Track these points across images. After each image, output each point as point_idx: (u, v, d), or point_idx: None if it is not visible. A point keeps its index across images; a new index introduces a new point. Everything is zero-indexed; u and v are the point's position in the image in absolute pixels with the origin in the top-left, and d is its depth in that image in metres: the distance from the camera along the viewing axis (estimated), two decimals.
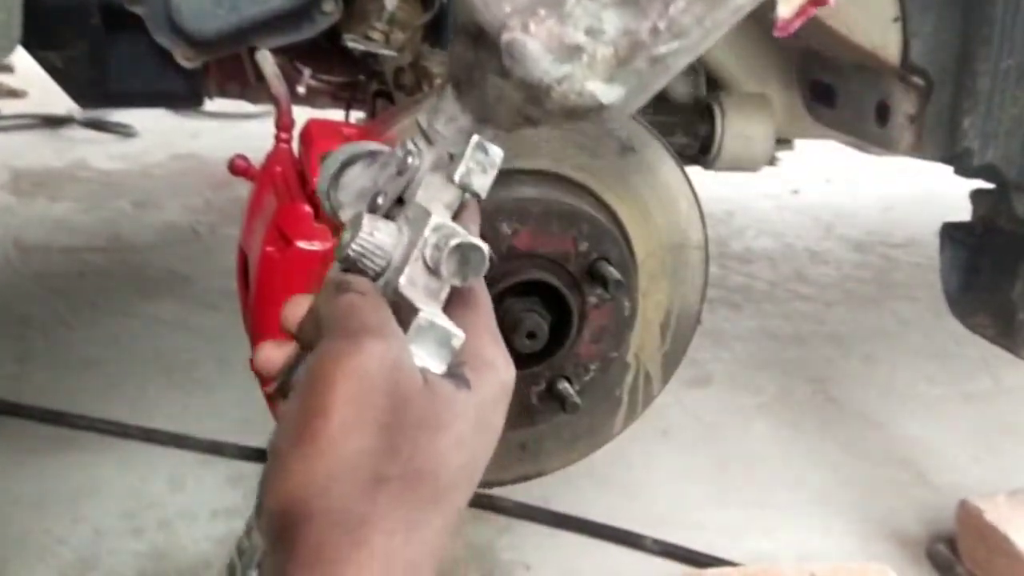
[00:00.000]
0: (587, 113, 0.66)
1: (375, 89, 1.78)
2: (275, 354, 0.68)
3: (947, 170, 1.54)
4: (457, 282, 0.65)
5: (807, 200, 4.04)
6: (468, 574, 1.78)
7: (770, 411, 2.42)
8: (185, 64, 1.50)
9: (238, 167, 1.34)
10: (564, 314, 1.35)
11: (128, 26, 1.49)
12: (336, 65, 1.72)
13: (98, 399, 2.21)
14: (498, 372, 0.66)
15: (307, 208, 1.14)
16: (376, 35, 1.50)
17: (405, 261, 0.65)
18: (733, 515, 2.01)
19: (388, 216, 0.69)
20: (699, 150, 1.84)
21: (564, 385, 1.39)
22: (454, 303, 0.67)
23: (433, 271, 0.64)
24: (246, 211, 1.32)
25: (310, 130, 1.30)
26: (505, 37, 0.62)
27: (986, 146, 1.45)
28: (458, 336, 0.63)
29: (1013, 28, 1.39)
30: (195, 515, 1.88)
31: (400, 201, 0.70)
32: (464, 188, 0.67)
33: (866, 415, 2.42)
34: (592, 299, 1.37)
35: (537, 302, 1.33)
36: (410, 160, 0.70)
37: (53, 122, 4.36)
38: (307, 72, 1.61)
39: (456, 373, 0.63)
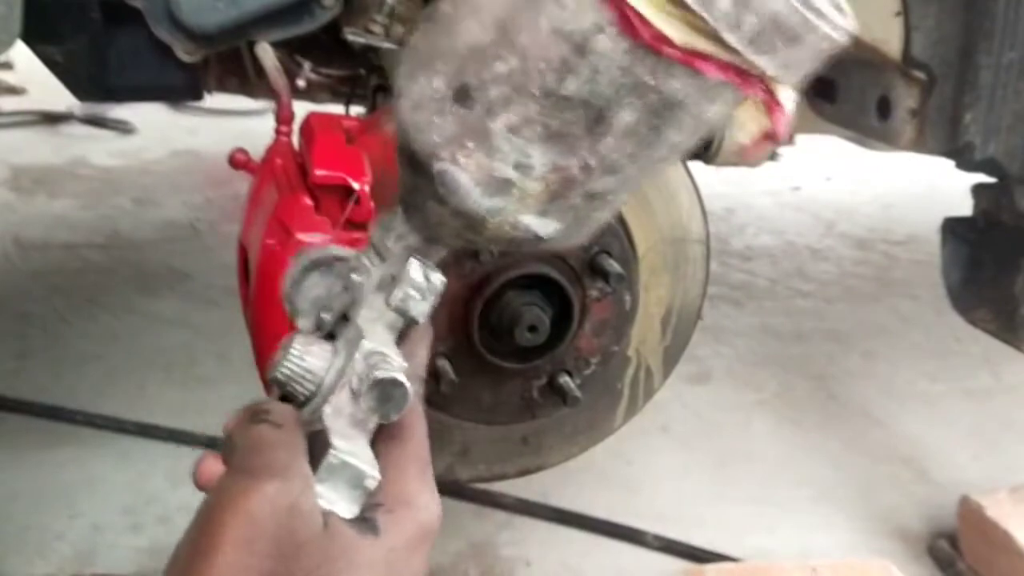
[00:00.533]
0: (525, 243, 0.65)
1: (375, 84, 1.77)
2: (216, 468, 0.64)
3: (948, 167, 1.54)
4: (377, 419, 0.62)
5: (808, 197, 4.04)
6: (469, 570, 1.78)
7: (771, 408, 2.42)
8: (185, 58, 1.49)
9: (238, 161, 1.33)
10: (565, 308, 1.35)
11: (128, 20, 1.48)
12: (336, 59, 1.72)
13: (97, 395, 2.21)
14: (416, 513, 0.62)
15: (308, 200, 1.13)
16: (376, 28, 1.49)
17: (334, 387, 0.63)
18: (734, 511, 2.00)
19: (333, 334, 0.68)
20: (700, 145, 1.83)
21: (565, 379, 1.39)
22: (383, 433, 0.64)
23: (359, 401, 0.62)
24: (246, 204, 1.32)
25: (310, 123, 1.29)
26: (436, 167, 0.62)
27: (988, 140, 1.45)
28: (372, 477, 0.60)
29: (1015, 22, 1.39)
30: (195, 511, 1.87)
31: (346, 318, 0.68)
32: (400, 314, 0.65)
33: (867, 412, 2.42)
34: (593, 293, 1.37)
35: (538, 296, 1.33)
36: (355, 277, 0.68)
37: (52, 119, 4.35)
38: (307, 66, 1.61)
39: (366, 517, 0.60)
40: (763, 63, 0.56)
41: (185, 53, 1.47)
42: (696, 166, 1.65)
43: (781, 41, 0.55)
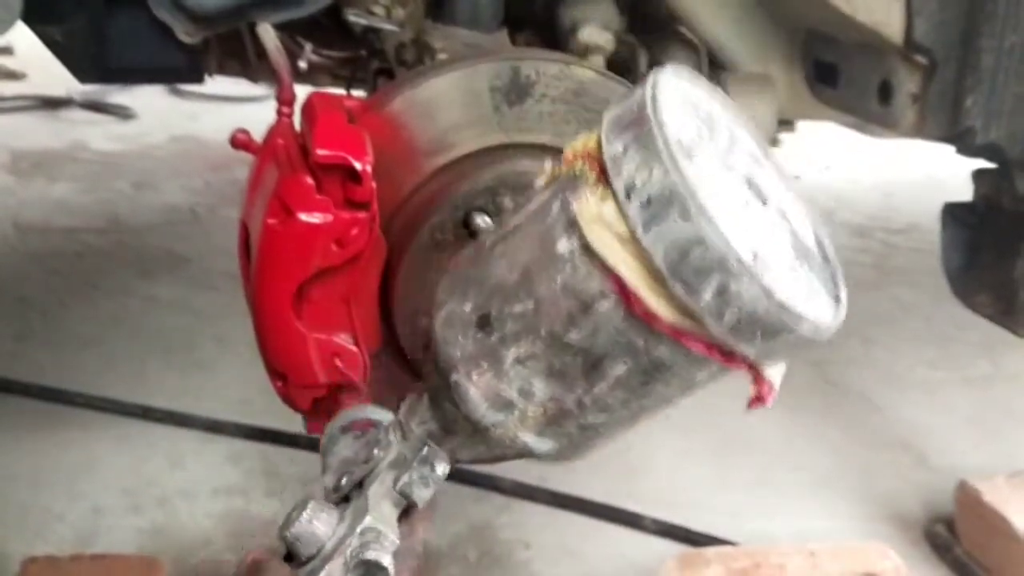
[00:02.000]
0: (525, 456, 0.75)
1: (376, 66, 1.77)
2: None
3: (947, 156, 1.54)
4: None
5: (807, 186, 4.02)
6: (468, 552, 1.78)
7: None
8: (185, 40, 1.49)
9: (239, 140, 1.33)
10: None
11: (128, 1, 1.48)
12: (337, 41, 1.72)
13: (96, 378, 2.21)
14: None
15: (309, 180, 1.13)
16: (378, 10, 1.49)
17: (332, 555, 0.70)
18: (733, 497, 2.01)
19: (348, 497, 0.76)
20: None
21: None
22: None
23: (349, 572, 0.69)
24: (248, 184, 1.31)
25: (312, 103, 1.28)
26: (453, 378, 0.72)
27: (989, 125, 1.45)
28: None
29: (1017, 5, 1.38)
30: (195, 493, 1.88)
31: (361, 486, 0.76)
32: (405, 497, 0.73)
33: (867, 398, 2.42)
34: None
35: None
36: (375, 452, 0.77)
37: (52, 103, 4.34)
38: (308, 47, 1.61)
39: None
40: (743, 349, 0.64)
41: (185, 34, 1.47)
42: None
43: (760, 334, 0.63)
